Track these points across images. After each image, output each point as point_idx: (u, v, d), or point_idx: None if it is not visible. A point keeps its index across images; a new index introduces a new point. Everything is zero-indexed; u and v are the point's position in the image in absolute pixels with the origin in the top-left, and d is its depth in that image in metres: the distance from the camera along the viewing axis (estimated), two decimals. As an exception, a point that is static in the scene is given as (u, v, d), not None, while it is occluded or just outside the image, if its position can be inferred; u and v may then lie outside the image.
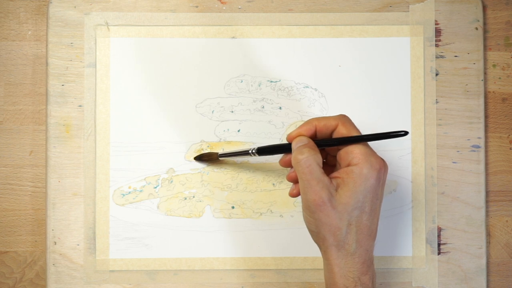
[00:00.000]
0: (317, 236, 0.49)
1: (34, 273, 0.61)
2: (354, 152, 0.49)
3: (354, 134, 0.49)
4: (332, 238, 0.48)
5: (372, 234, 0.49)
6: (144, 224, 0.60)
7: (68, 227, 0.59)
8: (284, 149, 0.53)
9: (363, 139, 0.49)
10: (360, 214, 0.48)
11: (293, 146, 0.50)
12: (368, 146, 0.50)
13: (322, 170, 0.48)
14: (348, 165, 0.49)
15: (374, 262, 0.59)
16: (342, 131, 0.50)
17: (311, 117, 0.55)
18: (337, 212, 0.48)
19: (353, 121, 0.51)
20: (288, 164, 0.53)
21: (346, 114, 0.51)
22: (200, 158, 0.59)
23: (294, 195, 0.53)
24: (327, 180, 0.48)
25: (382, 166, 0.48)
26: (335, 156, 0.52)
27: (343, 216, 0.48)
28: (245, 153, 0.55)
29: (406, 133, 0.48)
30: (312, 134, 0.51)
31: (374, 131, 0.59)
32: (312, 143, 0.50)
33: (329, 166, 0.53)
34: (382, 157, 0.49)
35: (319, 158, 0.49)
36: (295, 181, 0.52)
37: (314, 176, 0.48)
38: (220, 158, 0.58)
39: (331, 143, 0.50)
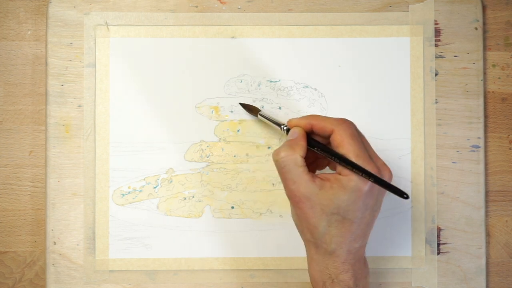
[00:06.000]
0: (297, 228, 0.51)
1: (33, 273, 0.61)
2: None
3: (346, 145, 0.48)
4: (309, 234, 0.49)
5: (357, 239, 0.49)
6: (143, 224, 0.60)
7: (67, 227, 0.59)
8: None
9: (354, 166, 0.47)
10: (341, 219, 0.48)
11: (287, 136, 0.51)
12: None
13: (300, 170, 0.48)
14: (339, 172, 0.48)
15: (374, 262, 0.59)
16: (335, 140, 0.48)
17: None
18: (314, 212, 0.48)
19: (355, 124, 0.50)
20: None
21: (348, 119, 0.50)
22: (246, 106, 0.59)
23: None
24: (306, 180, 0.48)
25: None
26: None
27: (321, 217, 0.48)
28: (278, 125, 0.55)
29: (407, 196, 0.47)
30: (309, 129, 0.51)
31: (373, 131, 0.60)
32: (300, 138, 0.50)
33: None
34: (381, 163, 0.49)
35: (297, 159, 0.48)
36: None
37: (289, 177, 0.48)
38: (259, 117, 0.58)
39: (320, 150, 0.50)
